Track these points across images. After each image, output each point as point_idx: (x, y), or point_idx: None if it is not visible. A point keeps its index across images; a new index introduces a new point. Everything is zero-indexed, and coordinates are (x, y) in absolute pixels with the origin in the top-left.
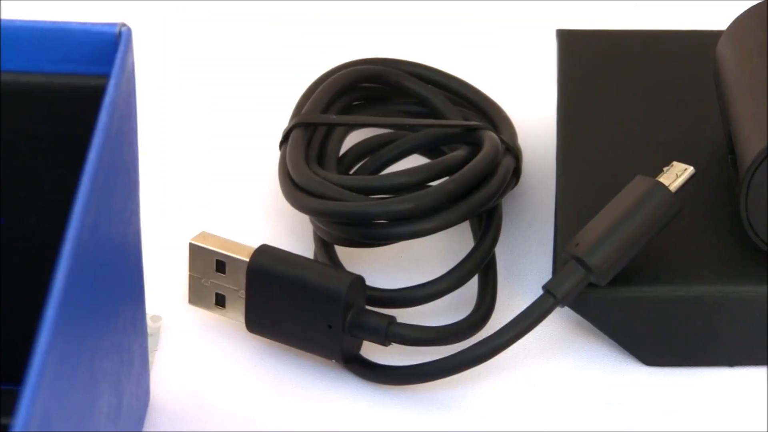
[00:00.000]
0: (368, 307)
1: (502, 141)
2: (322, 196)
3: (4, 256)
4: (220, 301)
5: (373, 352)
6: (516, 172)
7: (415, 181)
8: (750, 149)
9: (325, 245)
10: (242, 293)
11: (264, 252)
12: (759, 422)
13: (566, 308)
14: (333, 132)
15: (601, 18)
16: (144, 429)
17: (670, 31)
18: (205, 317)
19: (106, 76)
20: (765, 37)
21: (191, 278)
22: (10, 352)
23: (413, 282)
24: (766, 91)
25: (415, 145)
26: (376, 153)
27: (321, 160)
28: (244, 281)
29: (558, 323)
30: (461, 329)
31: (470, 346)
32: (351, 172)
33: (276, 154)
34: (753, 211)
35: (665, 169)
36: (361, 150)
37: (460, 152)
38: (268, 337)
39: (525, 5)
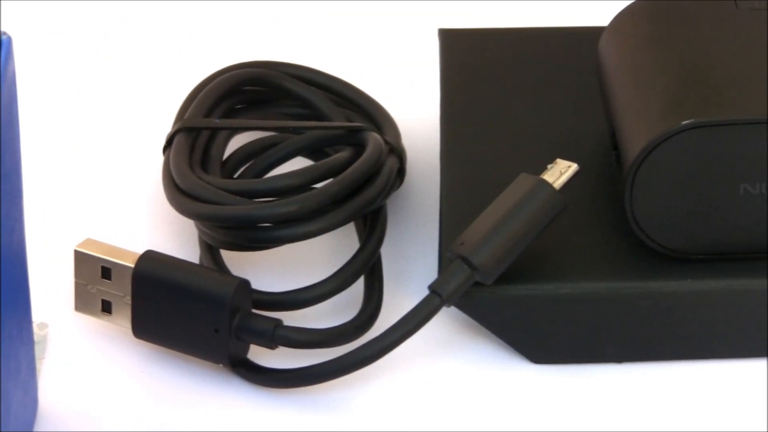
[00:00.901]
0: (255, 311)
1: (386, 142)
2: (206, 201)
3: None
4: (106, 308)
5: (261, 355)
6: (400, 173)
7: (299, 183)
8: (634, 145)
9: (210, 250)
10: (128, 299)
11: (149, 258)
12: (647, 419)
13: (453, 307)
14: (216, 136)
15: (483, 16)
16: None
17: (553, 29)
18: (92, 324)
19: None
20: (646, 33)
21: (77, 285)
22: None
23: (299, 284)
24: (648, 86)
25: (299, 148)
26: (259, 156)
27: (205, 164)
28: (130, 287)
29: (445, 323)
30: (348, 331)
31: (357, 348)
32: (235, 175)
33: (160, 159)
34: (638, 207)
35: (549, 166)
36: (244, 153)
37: (343, 154)
38: (155, 343)
39: (406, 4)
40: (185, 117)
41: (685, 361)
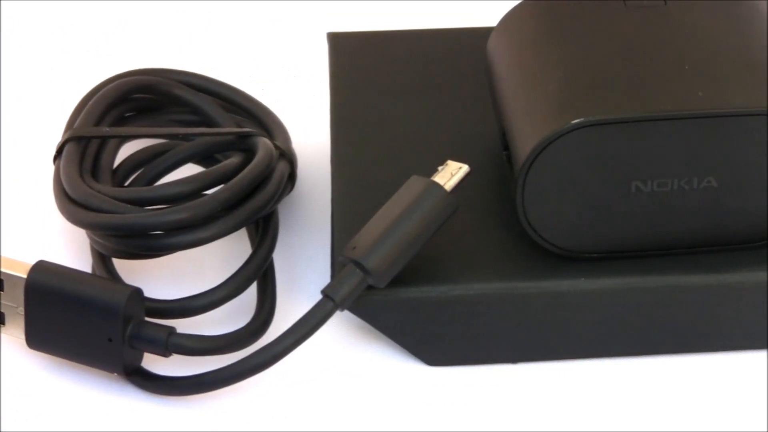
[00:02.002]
0: (148, 319)
1: (276, 146)
2: (97, 210)
3: None
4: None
5: (155, 363)
6: (291, 177)
7: (190, 190)
8: (524, 145)
9: (102, 258)
10: (21, 310)
11: (41, 268)
12: (542, 419)
13: (347, 311)
14: (106, 144)
15: (371, 19)
16: None
17: (441, 30)
18: None
19: None
20: (535, 33)
21: None
22: None
23: (193, 292)
24: (538, 86)
25: (189, 155)
26: (150, 164)
27: (95, 173)
28: (23, 298)
29: (339, 327)
30: (242, 337)
31: (251, 354)
32: (126, 183)
33: (50, 168)
34: (529, 207)
35: (440, 168)
36: (134, 161)
37: (234, 159)
38: (49, 353)
39: (294, 7)
40: (75, 126)
41: (580, 359)
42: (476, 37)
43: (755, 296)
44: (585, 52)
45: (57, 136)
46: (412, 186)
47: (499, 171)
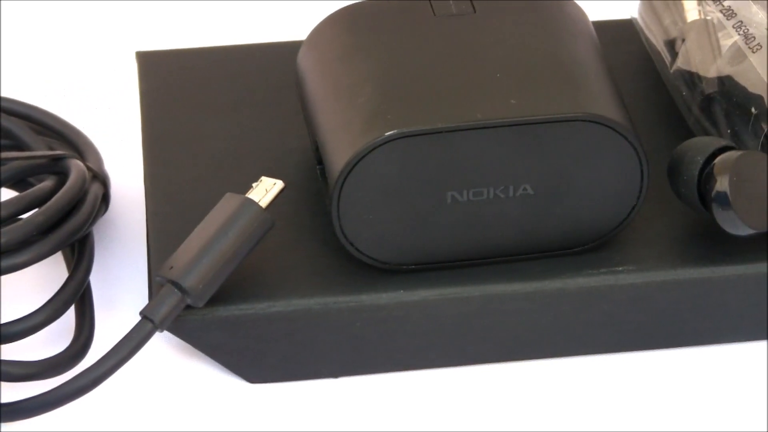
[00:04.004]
0: None
1: (89, 168)
2: None
3: None
4: None
5: None
6: (105, 199)
7: (4, 215)
8: (338, 159)
9: None
10: None
11: None
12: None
13: (167, 332)
14: None
15: (179, 37)
16: None
17: (252, 45)
18: None
19: None
20: (345, 45)
21: None
22: None
23: (10, 317)
24: (350, 99)
25: (2, 179)
26: None
27: None
28: None
29: (159, 347)
30: (62, 361)
31: (71, 378)
32: None
33: None
34: (345, 221)
35: (254, 184)
36: None
37: (47, 183)
38: None
39: (103, 28)
40: None
41: (402, 371)
42: (288, 51)
43: (574, 303)
44: (395, 63)
45: None
46: (227, 204)
47: (314, 185)
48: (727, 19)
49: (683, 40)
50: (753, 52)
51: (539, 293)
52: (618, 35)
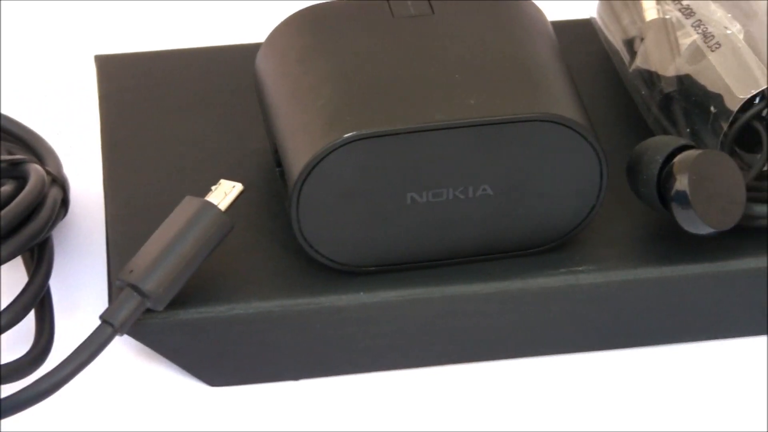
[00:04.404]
0: None
1: (48, 172)
2: None
3: None
4: None
5: None
6: (64, 203)
7: None
8: (297, 161)
9: None
10: None
11: None
12: None
13: (127, 335)
14: None
15: (138, 39)
16: None
17: (210, 48)
18: None
19: None
20: (303, 47)
21: None
22: None
23: None
24: (309, 101)
25: None
26: None
27: None
28: None
29: (120, 351)
30: (21, 366)
31: (32, 383)
32: None
33: None
34: (305, 223)
35: (213, 187)
36: None
37: (6, 188)
38: None
39: (61, 31)
40: None
41: (363, 373)
42: (247, 53)
43: (535, 303)
44: (354, 65)
45: None
46: (186, 207)
47: (274, 187)
48: (686, 18)
49: (642, 40)
50: (712, 51)
51: (500, 294)
52: (577, 35)
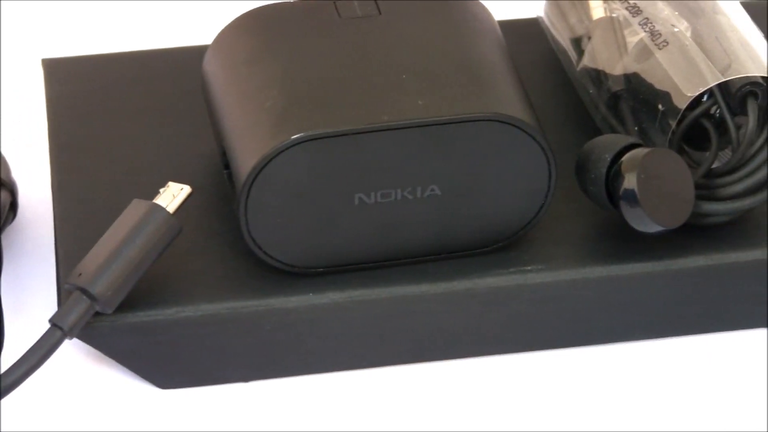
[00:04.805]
0: None
1: None
2: None
3: None
4: None
5: None
6: (12, 207)
7: None
8: (245, 163)
9: None
10: None
11: None
12: None
13: (77, 339)
14: None
15: (85, 43)
16: None
17: (157, 50)
18: None
19: None
20: (250, 49)
21: None
22: None
23: None
24: (256, 103)
25: None
26: None
27: None
28: None
29: (70, 354)
30: None
31: None
32: None
33: None
34: (253, 225)
35: (162, 190)
36: None
37: None
38: None
39: (5, 34)
40: None
41: (314, 374)
42: (194, 55)
43: (484, 303)
44: (301, 66)
45: None
46: (135, 209)
47: (222, 190)
48: (633, 16)
49: (589, 38)
50: (659, 49)
51: (449, 294)
52: (524, 34)
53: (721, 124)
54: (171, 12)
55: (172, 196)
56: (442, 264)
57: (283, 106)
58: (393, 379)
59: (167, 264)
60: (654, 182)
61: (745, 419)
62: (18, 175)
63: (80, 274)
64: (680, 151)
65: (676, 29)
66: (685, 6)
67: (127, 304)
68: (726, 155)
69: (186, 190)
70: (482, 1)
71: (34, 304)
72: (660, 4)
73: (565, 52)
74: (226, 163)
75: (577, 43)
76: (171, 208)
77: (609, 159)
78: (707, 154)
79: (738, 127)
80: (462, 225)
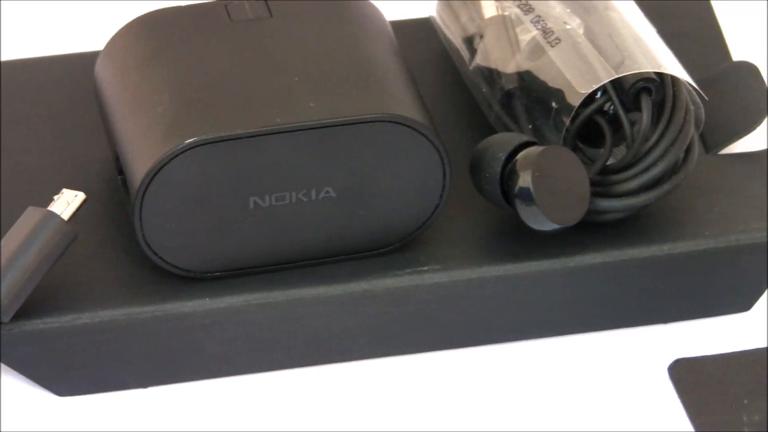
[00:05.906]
0: None
1: None
2: None
3: None
4: None
5: None
6: None
7: None
8: (138, 168)
9: None
10: None
11: None
12: None
13: None
14: None
15: None
16: None
17: (48, 57)
18: None
19: None
20: (142, 53)
21: None
22: None
23: None
24: (149, 108)
25: None
26: None
27: None
28: None
29: None
30: None
31: None
32: None
33: None
34: (148, 230)
35: (56, 197)
36: None
37: None
38: None
39: None
40: None
41: (215, 378)
42: (86, 61)
43: (382, 304)
44: (193, 70)
45: None
46: (29, 217)
47: (116, 196)
48: (525, 14)
49: (481, 37)
50: (552, 47)
51: (345, 296)
52: (416, 34)
53: (615, 121)
54: (61, 18)
55: (67, 203)
56: (339, 266)
57: (175, 110)
58: (292, 383)
59: (63, 271)
60: (549, 180)
61: (645, 417)
62: None
63: None
64: (575, 149)
65: (568, 26)
66: (577, 3)
67: (23, 312)
68: (621, 152)
69: (80, 196)
70: (374, 2)
71: None
72: (552, 2)
73: (457, 51)
74: (120, 168)
75: (469, 42)
76: (66, 215)
77: (503, 158)
78: (602, 151)
79: (632, 123)
80: (358, 226)
